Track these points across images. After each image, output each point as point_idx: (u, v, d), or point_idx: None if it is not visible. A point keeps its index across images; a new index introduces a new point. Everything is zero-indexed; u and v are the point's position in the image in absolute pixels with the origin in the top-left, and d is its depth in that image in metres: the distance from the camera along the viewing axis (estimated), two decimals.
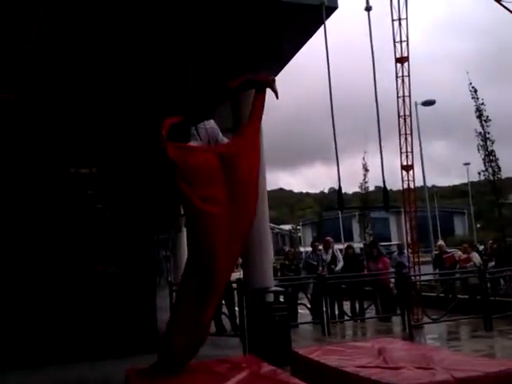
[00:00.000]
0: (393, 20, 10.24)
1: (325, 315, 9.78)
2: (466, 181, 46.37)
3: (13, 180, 9.04)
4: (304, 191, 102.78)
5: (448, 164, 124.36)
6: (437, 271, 13.52)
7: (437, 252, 15.21)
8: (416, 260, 10.94)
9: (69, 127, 9.34)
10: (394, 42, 10.36)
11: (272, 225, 45.68)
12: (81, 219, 9.41)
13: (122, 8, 6.69)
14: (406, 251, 12.26)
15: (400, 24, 10.23)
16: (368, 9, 9.11)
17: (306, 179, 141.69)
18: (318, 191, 76.90)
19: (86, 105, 9.11)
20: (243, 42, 7.74)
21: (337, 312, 11.07)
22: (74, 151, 9.58)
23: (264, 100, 4.61)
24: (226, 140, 4.65)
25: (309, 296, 10.84)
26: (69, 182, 9.46)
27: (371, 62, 8.96)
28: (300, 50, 8.73)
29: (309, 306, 10.63)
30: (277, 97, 4.67)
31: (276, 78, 4.77)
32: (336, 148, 8.48)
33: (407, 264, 11.49)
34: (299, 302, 11.10)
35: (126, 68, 8.19)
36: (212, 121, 4.54)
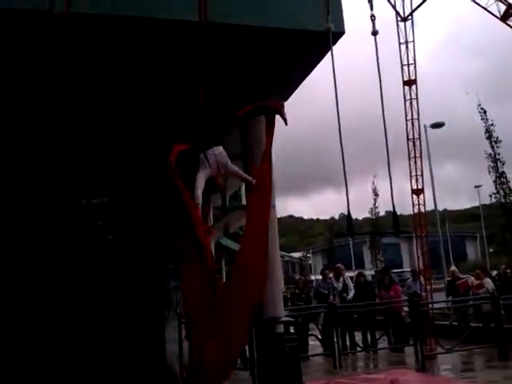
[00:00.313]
0: (400, 43, 10.28)
1: (336, 347, 9.55)
2: (477, 204, 45.78)
3: (26, 211, 9.08)
4: (314, 218, 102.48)
5: (458, 187, 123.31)
6: (450, 298, 13.22)
7: (449, 278, 14.91)
8: (428, 287, 10.73)
9: (80, 159, 9.40)
10: (402, 65, 10.38)
11: (282, 252, 45.29)
12: (91, 249, 9.40)
13: (134, 39, 6.78)
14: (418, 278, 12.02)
15: (407, 47, 10.26)
16: (374, 33, 9.13)
17: (316, 205, 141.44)
18: (328, 217, 76.72)
19: (97, 136, 9.18)
20: (252, 70, 7.79)
21: (348, 343, 10.81)
22: (86, 182, 9.63)
23: (273, 131, 4.59)
24: (235, 168, 4.61)
25: (319, 326, 10.62)
26: (80, 213, 9.48)
27: (379, 86, 8.93)
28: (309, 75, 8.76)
29: (319, 336, 10.41)
30: (286, 123, 4.65)
31: (285, 104, 4.77)
32: (345, 172, 8.30)
33: (419, 292, 11.25)
34: (310, 332, 10.87)
35: (136, 98, 8.26)
36: (221, 147, 4.52)
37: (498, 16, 8.50)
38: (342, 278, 11.84)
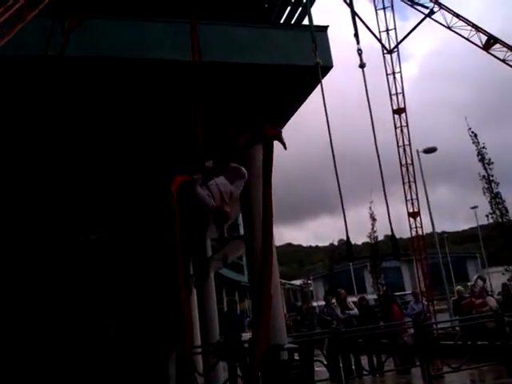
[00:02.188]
0: (387, 74, 10.60)
1: (342, 372, 9.52)
2: (474, 224, 46.02)
3: (23, 248, 9.17)
4: (313, 245, 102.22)
5: (454, 209, 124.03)
6: (457, 317, 13.21)
7: (455, 298, 14.92)
8: (431, 308, 10.76)
9: (79, 195, 9.55)
10: (390, 94, 10.68)
11: (283, 280, 45.13)
12: (90, 284, 9.46)
13: (129, 79, 7.02)
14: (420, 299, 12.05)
15: (394, 77, 10.59)
16: (362, 66, 9.45)
17: (312, 233, 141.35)
18: (326, 244, 76.56)
19: (94, 172, 9.36)
20: (245, 105, 8.05)
21: (354, 367, 10.77)
22: (84, 218, 9.75)
23: (272, 156, 4.71)
24: (239, 189, 4.70)
25: (324, 352, 10.59)
26: (79, 249, 9.58)
27: (369, 115, 9.18)
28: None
29: (325, 362, 10.37)
30: (285, 147, 4.78)
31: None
32: (341, 197, 8.49)
33: (423, 313, 11.28)
34: (315, 358, 10.83)
35: (133, 135, 8.47)
36: (222, 177, 4.63)
37: (481, 46, 8.82)
38: (344, 304, 11.89)
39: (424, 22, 9.61)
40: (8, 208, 9.11)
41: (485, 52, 8.84)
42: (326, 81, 7.83)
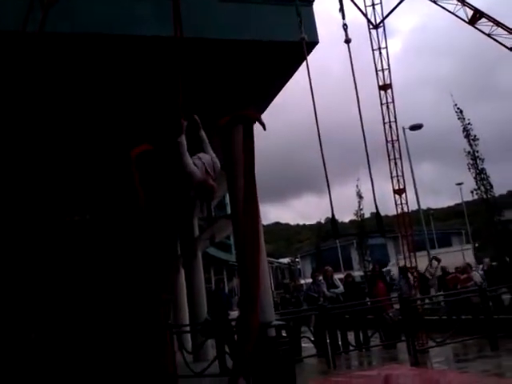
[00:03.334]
0: (373, 50, 10.53)
1: (329, 347, 9.65)
2: (459, 201, 46.56)
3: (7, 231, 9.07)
4: (300, 223, 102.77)
5: (439, 186, 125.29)
6: (441, 293, 13.41)
7: (440, 274, 15.13)
8: (417, 284, 10.91)
9: (62, 177, 9.43)
10: (376, 70, 10.63)
11: (270, 259, 45.38)
12: (77, 268, 9.40)
13: (110, 56, 6.87)
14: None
15: (380, 53, 10.52)
16: (347, 41, 9.35)
17: (298, 212, 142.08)
18: (313, 222, 76.96)
19: (77, 152, 9.23)
20: (230, 83, 7.94)
21: (340, 343, 10.92)
22: (68, 200, 9.66)
23: (253, 140, 4.70)
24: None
25: (311, 328, 10.71)
26: (64, 230, 9.49)
27: (354, 91, 9.14)
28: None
29: (312, 338, 10.49)
30: (264, 128, 4.75)
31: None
32: (326, 175, 8.51)
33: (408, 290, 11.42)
34: (302, 335, 10.96)
35: (115, 111, 8.33)
36: (203, 153, 4.53)
37: (466, 20, 8.77)
38: (330, 281, 12.00)
39: None
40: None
41: (470, 26, 8.80)
42: (310, 57, 7.75)
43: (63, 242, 9.49)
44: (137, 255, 9.95)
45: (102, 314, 9.15)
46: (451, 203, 77.59)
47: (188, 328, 12.37)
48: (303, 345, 10.96)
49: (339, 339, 10.87)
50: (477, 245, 44.82)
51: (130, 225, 9.90)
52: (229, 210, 11.04)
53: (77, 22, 6.27)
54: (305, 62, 7.91)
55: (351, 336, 11.30)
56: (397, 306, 11.07)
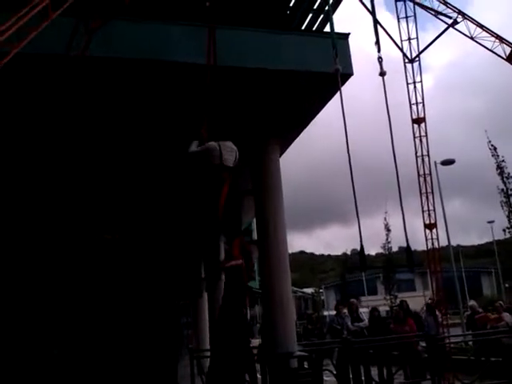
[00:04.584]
0: (407, 83, 10.55)
1: (351, 382, 9.41)
2: (488, 239, 45.40)
3: (40, 247, 9.26)
4: (326, 253, 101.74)
5: (468, 223, 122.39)
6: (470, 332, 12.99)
7: (469, 313, 14.70)
8: (445, 322, 10.62)
9: (94, 196, 9.62)
10: (410, 104, 10.63)
11: (294, 288, 44.89)
12: (103, 286, 9.50)
13: (144, 81, 7.06)
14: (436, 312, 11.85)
15: (415, 86, 10.53)
16: (382, 74, 9.36)
17: (322, 242, 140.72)
18: (339, 253, 76.05)
19: (111, 173, 9.43)
20: (263, 111, 8.05)
21: (363, 378, 10.64)
22: (100, 219, 9.82)
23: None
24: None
25: (334, 362, 10.48)
26: (93, 249, 9.63)
27: (387, 123, 9.07)
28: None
29: (335, 372, 10.26)
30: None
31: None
32: (356, 206, 8.37)
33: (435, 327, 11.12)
34: (324, 368, 10.72)
35: (149, 135, 8.51)
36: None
37: (504, 57, 8.73)
38: (355, 314, 11.77)
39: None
40: (25, 208, 9.23)
41: (507, 63, 8.74)
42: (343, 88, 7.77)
43: (92, 260, 9.63)
44: (160, 275, 10.01)
45: (123, 332, 9.19)
46: (478, 242, 75.79)
47: (208, 353, 12.27)
48: (325, 378, 10.71)
49: (362, 374, 10.60)
50: (507, 285, 43.50)
51: (156, 246, 9.99)
52: (255, 236, 11.06)
53: (116, 47, 6.49)
54: (337, 94, 7.96)
55: (374, 371, 11.00)
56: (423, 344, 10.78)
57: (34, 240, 9.55)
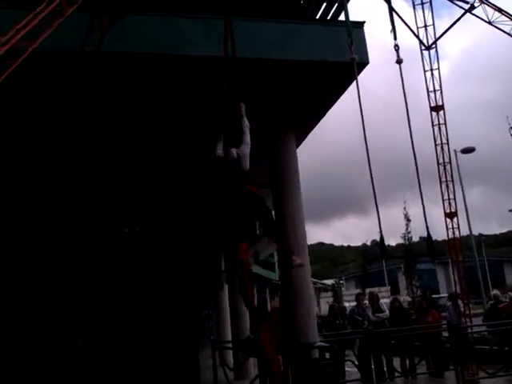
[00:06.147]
0: (425, 71, 10.39)
1: (374, 373, 9.38)
2: (510, 228, 44.74)
3: (59, 241, 9.39)
4: (345, 244, 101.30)
5: (489, 211, 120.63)
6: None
7: (492, 302, 14.50)
8: (467, 312, 10.50)
9: (114, 190, 9.71)
10: (428, 91, 10.46)
11: (314, 279, 44.80)
12: (124, 279, 9.60)
13: (161, 75, 7.08)
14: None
15: (432, 74, 10.37)
16: (399, 62, 9.25)
17: (341, 233, 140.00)
18: (358, 244, 75.67)
19: (130, 166, 9.51)
20: (280, 102, 8.02)
21: (386, 368, 10.59)
22: (119, 212, 9.92)
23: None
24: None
25: (356, 352, 10.46)
26: (113, 242, 9.74)
27: (404, 112, 8.97)
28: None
29: (356, 362, 10.24)
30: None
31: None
32: (375, 195, 8.30)
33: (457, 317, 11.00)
34: (346, 358, 10.71)
35: (167, 129, 8.55)
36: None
37: None
38: (376, 305, 11.73)
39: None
40: (44, 202, 9.38)
41: None
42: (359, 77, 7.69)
43: (114, 253, 9.75)
44: (180, 268, 10.09)
45: (146, 325, 9.30)
46: (502, 230, 74.63)
47: (230, 344, 12.36)
48: (347, 369, 10.70)
49: (384, 365, 10.55)
50: None
51: (176, 239, 10.05)
52: None
53: (131, 42, 6.50)
54: (354, 83, 7.88)
55: (397, 362, 10.95)
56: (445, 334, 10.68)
57: (57, 234, 9.70)
